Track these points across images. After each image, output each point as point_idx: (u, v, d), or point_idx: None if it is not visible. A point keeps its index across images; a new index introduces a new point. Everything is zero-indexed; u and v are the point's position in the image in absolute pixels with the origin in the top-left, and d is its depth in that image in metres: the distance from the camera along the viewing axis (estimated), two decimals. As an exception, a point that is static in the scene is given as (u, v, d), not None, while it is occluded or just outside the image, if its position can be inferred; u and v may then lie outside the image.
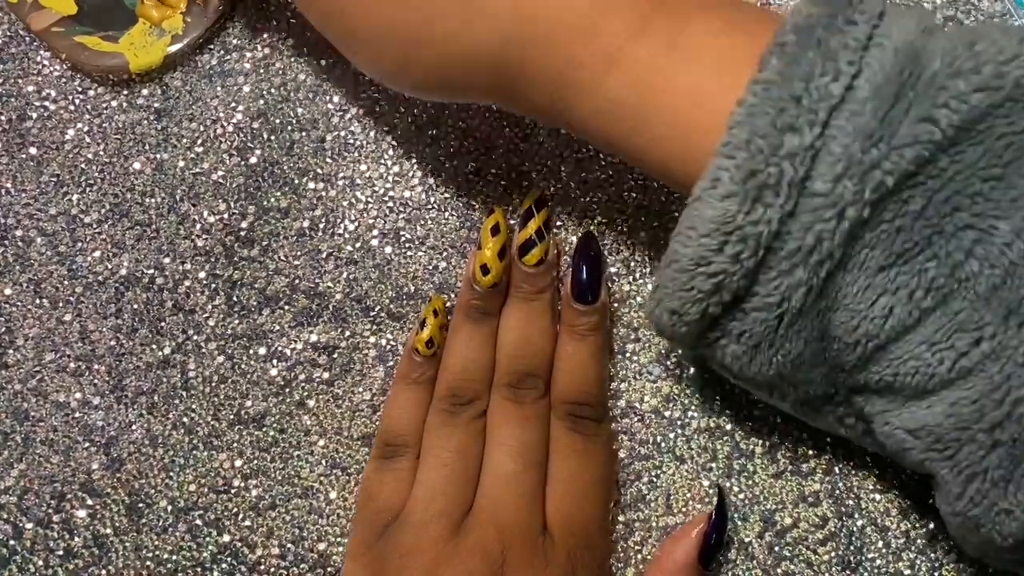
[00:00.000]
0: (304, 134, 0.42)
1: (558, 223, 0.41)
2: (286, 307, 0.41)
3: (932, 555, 0.39)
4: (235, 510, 0.39)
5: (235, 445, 0.40)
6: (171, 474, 0.39)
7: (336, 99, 0.42)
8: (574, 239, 0.41)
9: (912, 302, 0.29)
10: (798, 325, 0.30)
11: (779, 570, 0.39)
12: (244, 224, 0.41)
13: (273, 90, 0.42)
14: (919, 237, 0.29)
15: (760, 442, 0.40)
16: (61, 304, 0.41)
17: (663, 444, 0.40)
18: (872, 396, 0.32)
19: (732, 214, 0.28)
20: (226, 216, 0.41)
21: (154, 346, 0.40)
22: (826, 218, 0.28)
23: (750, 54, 0.29)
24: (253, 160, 0.42)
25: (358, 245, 0.41)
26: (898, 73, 0.28)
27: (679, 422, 0.40)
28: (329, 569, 0.39)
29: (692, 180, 0.29)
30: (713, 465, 0.40)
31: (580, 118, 0.32)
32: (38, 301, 0.41)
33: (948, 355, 0.29)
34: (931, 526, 0.39)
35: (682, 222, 0.30)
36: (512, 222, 0.40)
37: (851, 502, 0.39)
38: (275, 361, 0.40)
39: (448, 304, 0.40)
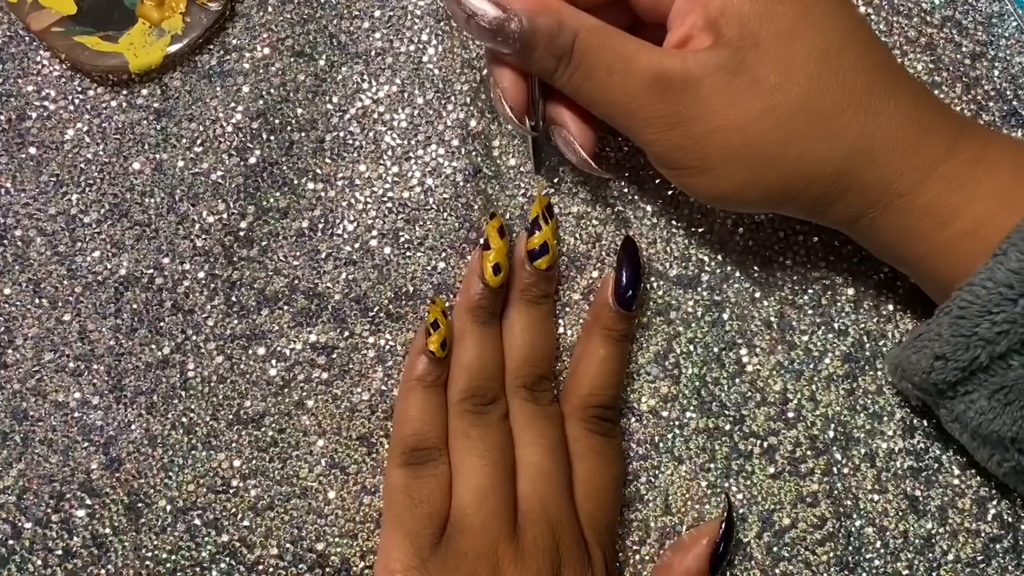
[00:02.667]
0: (304, 134, 0.42)
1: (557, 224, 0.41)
2: (285, 307, 0.41)
3: (930, 555, 0.39)
4: (234, 510, 0.39)
5: (234, 445, 0.40)
6: (170, 474, 0.39)
7: (336, 99, 0.42)
8: (572, 239, 0.41)
9: None
10: None
11: (777, 570, 0.39)
12: (243, 224, 0.41)
13: (273, 90, 0.42)
14: None
15: (758, 443, 0.40)
16: (60, 304, 0.41)
17: (661, 444, 0.40)
18: None
19: None
20: (225, 216, 0.41)
21: (153, 346, 0.40)
22: None
23: None
24: (252, 160, 0.42)
25: (357, 246, 0.41)
26: None
27: (677, 422, 0.40)
28: (328, 569, 0.39)
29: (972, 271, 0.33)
30: (711, 466, 0.40)
31: (892, 218, 0.35)
32: (38, 301, 0.41)
33: None
34: (929, 526, 0.39)
35: (977, 274, 0.33)
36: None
37: (849, 503, 0.39)
38: (274, 361, 0.40)
39: (448, 306, 0.40)
